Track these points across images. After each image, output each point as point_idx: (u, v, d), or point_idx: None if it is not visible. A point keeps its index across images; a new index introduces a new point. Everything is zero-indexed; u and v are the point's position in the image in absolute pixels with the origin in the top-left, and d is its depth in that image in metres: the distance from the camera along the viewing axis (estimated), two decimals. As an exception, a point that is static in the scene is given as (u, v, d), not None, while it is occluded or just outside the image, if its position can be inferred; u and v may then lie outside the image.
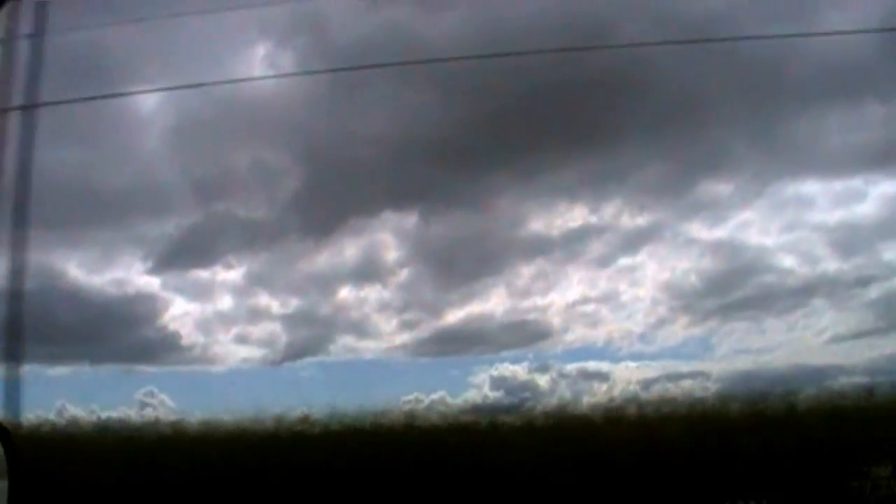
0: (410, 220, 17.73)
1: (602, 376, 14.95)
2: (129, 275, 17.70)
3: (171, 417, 12.52)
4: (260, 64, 17.07)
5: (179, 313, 17.57)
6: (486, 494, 9.52)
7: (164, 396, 13.80)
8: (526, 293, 17.09)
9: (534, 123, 15.37)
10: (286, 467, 10.50)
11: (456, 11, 14.25)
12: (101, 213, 17.08)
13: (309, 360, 16.92)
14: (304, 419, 11.69)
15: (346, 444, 11.36)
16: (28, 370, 16.04)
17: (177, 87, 13.87)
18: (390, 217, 17.42)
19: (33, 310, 17.03)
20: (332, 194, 16.98)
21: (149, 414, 12.96)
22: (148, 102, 16.44)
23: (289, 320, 17.15)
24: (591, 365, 15.42)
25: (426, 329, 17.03)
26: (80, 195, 16.54)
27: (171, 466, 10.49)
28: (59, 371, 16.62)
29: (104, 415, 12.61)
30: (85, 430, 12.06)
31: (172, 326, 17.40)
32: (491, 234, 17.60)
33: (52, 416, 12.16)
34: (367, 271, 17.67)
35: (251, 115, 15.85)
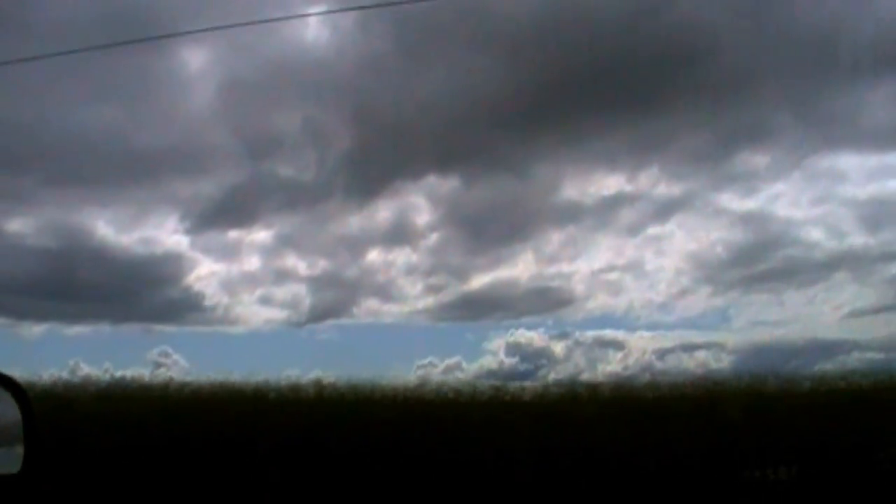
0: (452, 183, 17.61)
1: (618, 345, 14.96)
2: (158, 234, 17.64)
3: (184, 378, 12.41)
4: (319, 23, 16.70)
5: (206, 273, 17.57)
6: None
7: (177, 356, 13.69)
8: (553, 259, 17.12)
9: (583, 90, 15.22)
10: (286, 431, 10.33)
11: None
12: (137, 171, 17.00)
13: (331, 322, 16.92)
14: (316, 382, 11.58)
15: (354, 408, 11.27)
16: (47, 328, 16.04)
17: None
18: (434, 181, 17.29)
19: (57, 268, 16.94)
20: (379, 157, 16.81)
21: (162, 374, 12.77)
22: (195, 59, 16.08)
23: (315, 282, 17.18)
24: (608, 333, 15.46)
25: (450, 293, 17.05)
26: (117, 153, 16.40)
27: (170, 427, 10.31)
28: (78, 330, 16.65)
29: (117, 374, 12.49)
30: (91, 389, 11.94)
31: (197, 287, 17.44)
32: (527, 200, 17.57)
33: (65, 375, 11.96)
34: (400, 234, 17.60)
35: (304, 75, 15.57)
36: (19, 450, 2.15)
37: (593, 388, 11.40)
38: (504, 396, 11.50)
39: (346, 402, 11.33)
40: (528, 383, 12.42)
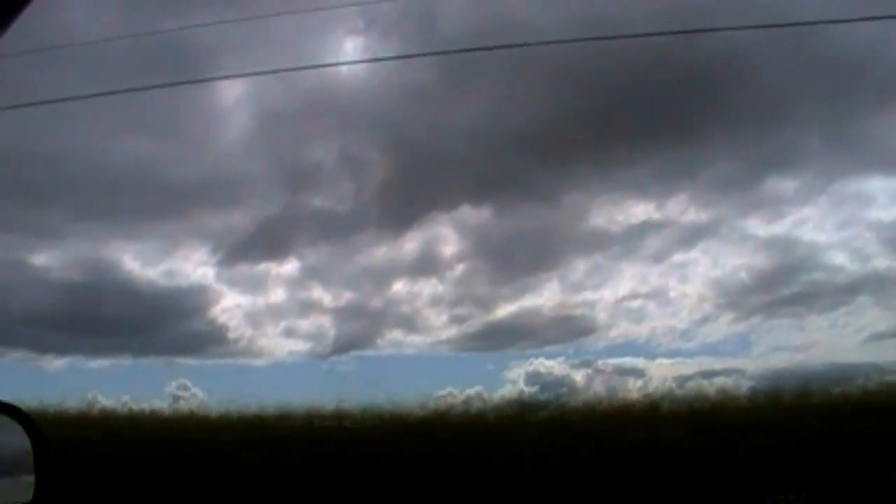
0: (485, 214, 17.56)
1: (638, 372, 14.77)
2: (184, 267, 17.54)
3: (203, 411, 12.24)
4: (360, 55, 16.79)
5: (231, 305, 17.41)
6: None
7: (196, 390, 13.55)
8: (578, 288, 16.95)
9: (616, 119, 15.19)
10: (297, 461, 10.26)
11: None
12: (169, 205, 17.02)
13: (354, 353, 16.69)
14: (335, 413, 11.46)
15: (366, 439, 11.20)
16: (69, 361, 16.00)
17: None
18: (468, 211, 17.26)
19: (82, 302, 16.93)
20: (415, 187, 16.79)
21: (181, 406, 12.63)
22: (231, 91, 16.24)
23: (340, 314, 16.97)
24: (629, 361, 15.26)
25: (475, 324, 16.82)
26: (149, 187, 16.44)
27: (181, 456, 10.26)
28: (100, 363, 16.54)
29: (136, 407, 12.38)
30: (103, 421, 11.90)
31: (221, 319, 17.27)
32: (555, 229, 17.47)
33: (82, 408, 11.87)
34: (427, 265, 17.47)
35: (341, 106, 15.68)
36: (31, 479, 2.17)
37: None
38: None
39: (363, 428, 11.27)
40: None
